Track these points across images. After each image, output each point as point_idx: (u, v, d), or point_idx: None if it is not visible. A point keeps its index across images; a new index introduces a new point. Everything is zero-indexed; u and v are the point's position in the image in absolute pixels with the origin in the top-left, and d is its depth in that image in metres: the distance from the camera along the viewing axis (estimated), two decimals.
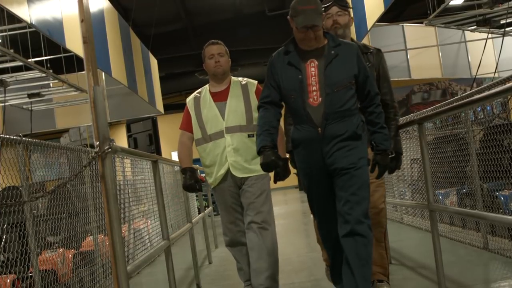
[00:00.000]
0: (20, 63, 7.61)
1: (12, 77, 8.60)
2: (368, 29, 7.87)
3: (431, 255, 3.47)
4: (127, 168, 6.51)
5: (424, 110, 5.89)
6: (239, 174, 3.65)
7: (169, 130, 17.73)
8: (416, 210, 6.79)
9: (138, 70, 9.13)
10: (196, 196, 10.15)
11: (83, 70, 2.62)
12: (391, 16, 13.85)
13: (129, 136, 14.16)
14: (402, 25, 12.74)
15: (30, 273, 3.71)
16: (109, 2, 7.69)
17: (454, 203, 5.64)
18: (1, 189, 3.73)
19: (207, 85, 3.87)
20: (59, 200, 4.31)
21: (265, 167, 3.04)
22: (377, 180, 3.34)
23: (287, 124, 3.62)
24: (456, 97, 6.12)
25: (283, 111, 3.21)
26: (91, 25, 2.45)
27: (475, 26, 10.06)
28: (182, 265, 6.18)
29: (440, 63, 13.28)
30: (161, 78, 12.17)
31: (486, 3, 8.46)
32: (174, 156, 18.31)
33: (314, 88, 2.96)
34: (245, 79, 3.86)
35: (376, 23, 7.96)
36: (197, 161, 3.92)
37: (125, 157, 6.18)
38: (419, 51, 12.83)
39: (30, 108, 10.38)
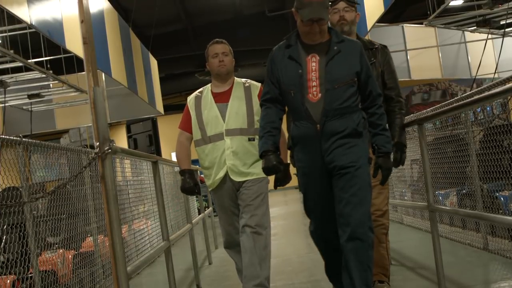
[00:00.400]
0: (20, 64, 7.60)
1: (12, 77, 8.59)
2: (368, 30, 7.87)
3: (431, 256, 3.47)
4: (127, 168, 6.51)
5: (424, 111, 5.88)
6: (236, 178, 3.59)
7: (169, 130, 17.68)
8: (416, 210, 6.79)
9: (138, 71, 9.13)
10: (196, 196, 10.15)
11: (83, 71, 2.62)
12: (391, 16, 13.83)
13: (129, 137, 14.14)
14: (402, 26, 12.72)
15: (30, 274, 3.71)
16: (109, 3, 7.68)
17: (454, 203, 5.64)
18: (1, 189, 3.73)
19: (209, 85, 3.79)
20: (59, 201, 4.30)
21: (267, 171, 3.02)
22: None
23: (289, 120, 3.58)
24: (456, 98, 6.12)
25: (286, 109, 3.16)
26: (91, 25, 2.45)
27: (475, 27, 10.05)
28: (182, 266, 6.18)
29: (440, 63, 13.26)
30: (161, 79, 12.17)
31: (486, 4, 8.45)
32: (174, 157, 18.23)
33: (314, 83, 2.89)
34: (249, 81, 3.78)
35: (376, 24, 7.97)
36: (195, 161, 3.90)
37: (125, 157, 6.17)
38: (419, 52, 12.82)
39: (30, 109, 10.36)
